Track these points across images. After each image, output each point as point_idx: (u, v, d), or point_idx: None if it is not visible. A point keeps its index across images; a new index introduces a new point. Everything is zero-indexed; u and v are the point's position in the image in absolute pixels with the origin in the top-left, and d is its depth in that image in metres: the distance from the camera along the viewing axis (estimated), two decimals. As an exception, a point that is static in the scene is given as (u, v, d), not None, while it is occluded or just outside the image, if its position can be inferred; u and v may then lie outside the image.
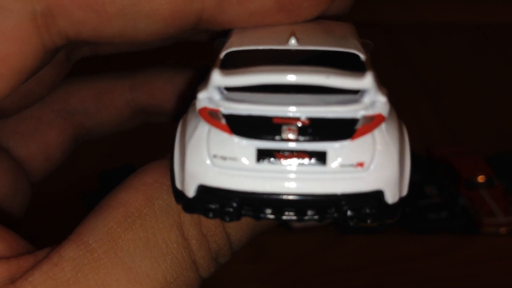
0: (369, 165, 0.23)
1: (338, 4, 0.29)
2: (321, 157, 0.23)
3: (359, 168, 0.23)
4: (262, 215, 0.23)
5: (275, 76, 0.22)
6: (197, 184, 0.24)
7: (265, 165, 0.23)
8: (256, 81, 0.22)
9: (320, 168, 0.23)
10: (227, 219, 0.23)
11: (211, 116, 0.23)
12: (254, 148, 0.23)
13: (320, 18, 0.28)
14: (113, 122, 0.39)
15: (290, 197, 0.23)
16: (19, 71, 0.26)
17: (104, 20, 0.26)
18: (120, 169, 0.75)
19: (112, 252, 0.25)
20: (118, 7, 0.25)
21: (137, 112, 0.39)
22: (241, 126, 0.23)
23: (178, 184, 0.25)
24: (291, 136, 0.23)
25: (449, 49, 1.10)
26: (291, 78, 0.22)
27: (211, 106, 0.23)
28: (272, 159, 0.23)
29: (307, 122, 0.23)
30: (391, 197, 0.23)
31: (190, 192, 0.24)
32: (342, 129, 0.23)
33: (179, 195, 0.25)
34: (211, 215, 0.24)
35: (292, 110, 0.23)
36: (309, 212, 0.23)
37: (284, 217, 0.23)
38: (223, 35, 0.28)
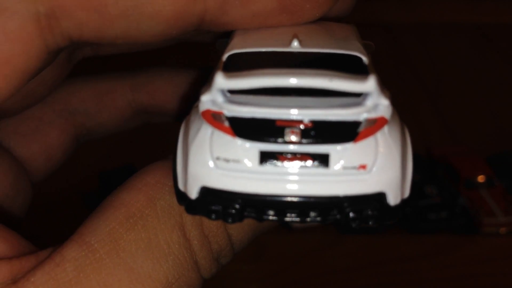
0: (371, 168, 0.23)
1: (340, 5, 0.29)
2: (324, 159, 0.23)
3: (361, 170, 0.23)
4: (264, 216, 0.23)
5: (278, 79, 0.22)
6: (200, 185, 0.24)
7: (268, 167, 0.23)
8: (259, 84, 0.22)
9: (322, 170, 0.23)
10: (230, 220, 0.23)
11: (214, 118, 0.23)
12: (257, 151, 0.23)
13: (322, 19, 0.28)
14: (114, 122, 0.39)
15: (293, 199, 0.23)
16: (22, 72, 0.26)
17: (107, 22, 0.26)
18: (120, 169, 0.75)
19: (114, 252, 0.25)
20: (121, 8, 0.25)
21: (138, 112, 0.39)
22: (244, 128, 0.23)
23: (180, 186, 0.25)
24: (294, 138, 0.23)
25: (449, 49, 1.10)
26: (294, 81, 0.22)
27: (214, 108, 0.23)
28: (275, 161, 0.23)
29: (310, 124, 0.23)
30: (393, 199, 0.24)
31: (193, 193, 0.24)
32: (345, 132, 0.23)
33: (181, 197, 0.25)
34: (213, 216, 0.24)
35: (295, 113, 0.23)
36: (312, 214, 0.23)
37: (287, 219, 0.23)
38: (225, 36, 0.28)
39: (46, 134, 0.36)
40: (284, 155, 0.23)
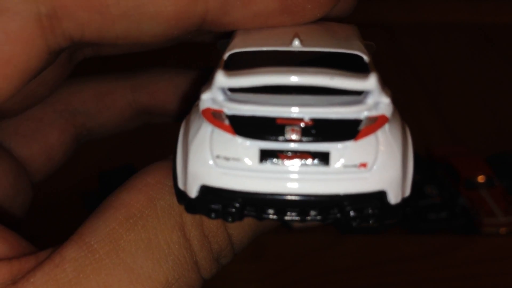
0: (372, 166, 0.23)
1: (341, 5, 0.29)
2: (324, 157, 0.23)
3: (362, 168, 0.23)
4: (264, 215, 0.23)
5: (279, 77, 0.22)
6: (200, 184, 0.24)
7: (268, 165, 0.23)
8: (259, 82, 0.22)
9: (323, 168, 0.23)
10: (230, 219, 0.23)
11: (215, 117, 0.23)
12: (257, 149, 0.23)
13: (323, 19, 0.28)
14: (114, 122, 0.39)
15: (293, 198, 0.23)
16: (23, 72, 0.26)
17: (108, 22, 0.26)
18: (120, 169, 0.75)
19: (113, 253, 0.25)
20: (123, 9, 0.25)
21: (138, 113, 0.39)
22: (245, 126, 0.23)
23: (180, 185, 0.25)
24: (294, 136, 0.23)
25: (449, 49, 1.10)
26: (295, 79, 0.22)
27: (214, 107, 0.23)
28: (275, 159, 0.23)
29: (310, 122, 0.23)
30: (394, 198, 0.23)
31: (193, 192, 0.24)
32: (346, 130, 0.23)
33: (181, 196, 0.25)
34: (213, 215, 0.24)
35: (295, 111, 0.23)
36: (312, 213, 0.23)
37: (287, 218, 0.23)
38: (227, 36, 0.28)
39: (46, 135, 0.36)
40: (284, 154, 0.23)
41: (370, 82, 0.22)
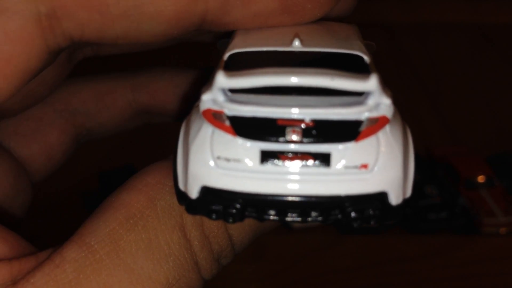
0: (373, 167, 0.23)
1: (341, 5, 0.29)
2: (325, 158, 0.23)
3: (363, 169, 0.23)
4: (265, 216, 0.23)
5: (280, 78, 0.22)
6: (201, 185, 0.24)
7: (269, 166, 0.23)
8: (260, 83, 0.22)
9: (324, 169, 0.23)
10: (230, 220, 0.23)
11: (215, 117, 0.23)
12: (258, 150, 0.23)
13: (323, 19, 0.28)
14: (114, 122, 0.39)
15: (294, 199, 0.23)
16: (22, 72, 0.26)
17: (108, 22, 0.26)
18: (120, 169, 0.75)
19: (114, 253, 0.25)
20: (122, 8, 0.25)
21: (138, 113, 0.39)
22: (245, 127, 0.23)
23: (181, 185, 0.25)
24: (295, 137, 0.23)
25: (449, 49, 1.10)
26: (295, 80, 0.22)
27: (215, 107, 0.23)
28: (276, 160, 0.23)
29: (311, 124, 0.23)
30: (395, 199, 0.23)
31: (193, 193, 0.24)
32: (346, 131, 0.23)
33: (182, 196, 0.25)
34: (214, 216, 0.24)
35: (296, 112, 0.23)
36: (313, 214, 0.23)
37: (288, 219, 0.23)
38: (226, 36, 0.28)
39: (46, 135, 0.36)
40: (285, 155, 0.23)
41: (371, 83, 0.22)
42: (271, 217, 0.23)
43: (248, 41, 0.26)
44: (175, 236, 0.26)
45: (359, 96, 0.23)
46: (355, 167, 0.23)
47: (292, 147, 0.23)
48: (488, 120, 0.94)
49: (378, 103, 0.23)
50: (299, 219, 0.23)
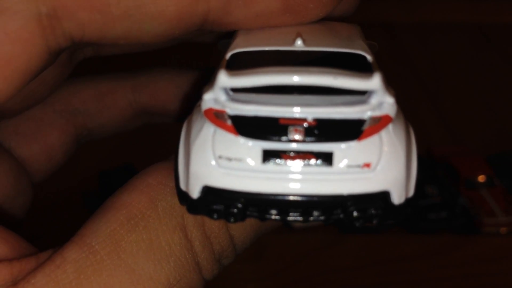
0: (375, 166, 0.23)
1: (343, 5, 0.29)
2: (327, 157, 0.23)
3: (365, 169, 0.23)
4: (267, 216, 0.23)
5: (282, 77, 0.22)
6: (202, 185, 0.24)
7: (271, 166, 0.23)
8: (262, 82, 0.22)
9: (326, 168, 0.23)
10: (232, 220, 0.23)
11: (217, 117, 0.23)
12: (260, 149, 0.23)
13: (326, 19, 0.28)
14: (115, 122, 0.39)
15: (296, 198, 0.23)
16: (23, 73, 0.26)
17: (109, 22, 0.26)
18: (120, 169, 0.75)
19: (115, 254, 0.25)
20: (124, 8, 0.25)
21: (139, 113, 0.39)
22: (247, 127, 0.23)
23: (182, 185, 0.25)
24: (297, 137, 0.22)
25: (449, 49, 1.10)
26: (297, 79, 0.22)
27: (216, 107, 0.23)
28: (278, 160, 0.23)
29: (313, 123, 0.22)
30: (397, 198, 0.23)
31: (195, 193, 0.24)
32: (349, 130, 0.23)
33: (183, 196, 0.25)
34: (215, 216, 0.23)
35: (298, 111, 0.22)
36: (315, 213, 0.23)
37: (290, 218, 0.23)
38: (228, 36, 0.28)
39: (46, 135, 0.36)
40: (287, 154, 0.23)
41: (374, 82, 0.22)
42: (273, 217, 0.23)
43: (250, 40, 0.26)
44: (176, 237, 0.26)
45: (362, 95, 0.23)
46: (358, 166, 0.23)
47: (294, 146, 0.23)
48: (488, 120, 0.94)
49: (381, 102, 0.23)
50: (301, 218, 0.23)
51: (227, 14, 0.27)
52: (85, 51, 0.35)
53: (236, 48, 0.25)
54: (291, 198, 0.23)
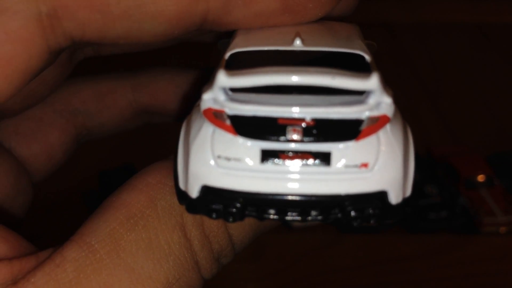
0: (373, 166, 0.23)
1: (342, 5, 0.29)
2: (325, 157, 0.23)
3: (363, 168, 0.23)
4: (265, 215, 0.23)
5: (281, 77, 0.22)
6: (201, 184, 0.24)
7: (269, 165, 0.23)
8: (261, 82, 0.22)
9: (324, 168, 0.23)
10: (231, 219, 0.23)
11: (216, 117, 0.23)
12: (258, 149, 0.23)
13: (325, 19, 0.28)
14: (114, 122, 0.39)
15: (294, 198, 0.23)
16: (23, 72, 0.26)
17: (109, 21, 0.26)
18: (120, 169, 0.75)
19: (114, 253, 0.25)
20: (123, 8, 0.25)
21: (139, 113, 0.39)
22: (246, 127, 0.23)
23: (181, 185, 0.25)
24: (295, 136, 0.23)
25: (449, 49, 1.10)
26: (296, 79, 0.22)
27: (215, 107, 0.23)
28: (276, 159, 0.23)
29: (312, 123, 0.23)
30: (395, 198, 0.23)
31: (194, 192, 0.24)
32: (347, 130, 0.23)
33: (182, 196, 0.25)
34: (214, 215, 0.24)
35: (297, 111, 0.23)
36: (313, 213, 0.23)
37: (288, 218, 0.23)
38: (227, 35, 0.28)
39: (46, 134, 0.36)
40: (285, 154, 0.23)
41: (372, 82, 0.22)
42: (271, 216, 0.23)
43: (249, 40, 0.26)
44: (175, 236, 0.26)
45: (360, 95, 0.23)
46: (355, 166, 0.23)
47: (293, 146, 0.23)
48: (488, 120, 0.94)
49: (379, 102, 0.23)
50: (299, 218, 0.23)
51: (227, 14, 0.27)
52: (85, 51, 0.35)
53: (235, 48, 0.25)
54: (289, 197, 0.23)
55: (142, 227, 0.25)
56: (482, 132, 0.91)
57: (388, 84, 0.24)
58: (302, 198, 0.23)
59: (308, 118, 0.23)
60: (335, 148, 0.23)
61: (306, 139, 0.23)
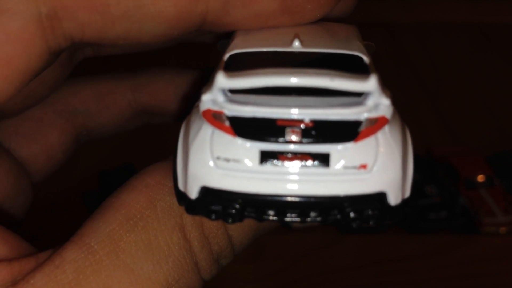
0: (372, 167, 0.23)
1: (341, 6, 0.29)
2: (324, 159, 0.23)
3: (362, 170, 0.23)
4: (264, 216, 0.23)
5: (279, 79, 0.22)
6: (200, 185, 0.24)
7: (268, 167, 0.23)
8: (260, 83, 0.22)
9: (323, 170, 0.23)
10: (230, 220, 0.23)
11: (215, 118, 0.23)
12: (257, 150, 0.23)
13: (323, 20, 0.28)
14: (114, 122, 0.39)
15: (293, 199, 0.23)
16: (23, 73, 0.26)
17: (109, 22, 0.26)
18: (120, 169, 0.75)
19: (114, 254, 0.25)
20: (123, 9, 0.25)
21: (138, 113, 0.39)
22: (245, 128, 0.23)
23: (180, 186, 0.25)
24: (294, 138, 0.23)
25: (449, 49, 1.10)
26: (295, 80, 0.22)
27: (215, 108, 0.23)
28: (275, 161, 0.23)
29: (310, 124, 0.23)
30: (394, 199, 0.24)
31: (193, 193, 0.24)
32: (346, 131, 0.23)
33: (181, 197, 0.25)
34: (213, 216, 0.24)
35: (296, 112, 0.23)
36: (312, 214, 0.23)
37: (287, 219, 0.23)
38: (227, 36, 0.28)
39: (46, 135, 0.36)
40: (284, 155, 0.23)
41: (370, 84, 0.22)
42: (271, 218, 0.23)
43: (248, 41, 0.26)
44: (174, 237, 0.26)
45: (358, 96, 0.23)
46: (354, 167, 0.23)
47: (292, 147, 0.23)
48: (488, 120, 0.94)
49: (377, 103, 0.23)
50: (298, 219, 0.23)
51: (226, 15, 0.27)
52: (85, 51, 0.35)
53: (234, 49, 0.25)
54: (289, 199, 0.23)
55: (142, 228, 0.25)
56: (482, 132, 0.91)
57: (386, 85, 0.24)
58: (301, 199, 0.23)
59: (307, 119, 0.23)
60: (334, 150, 0.23)
61: (305, 140, 0.23)
